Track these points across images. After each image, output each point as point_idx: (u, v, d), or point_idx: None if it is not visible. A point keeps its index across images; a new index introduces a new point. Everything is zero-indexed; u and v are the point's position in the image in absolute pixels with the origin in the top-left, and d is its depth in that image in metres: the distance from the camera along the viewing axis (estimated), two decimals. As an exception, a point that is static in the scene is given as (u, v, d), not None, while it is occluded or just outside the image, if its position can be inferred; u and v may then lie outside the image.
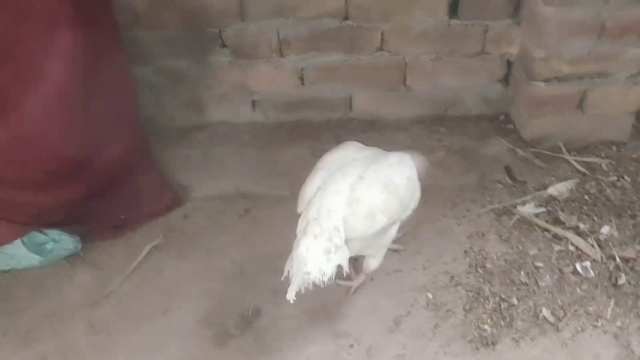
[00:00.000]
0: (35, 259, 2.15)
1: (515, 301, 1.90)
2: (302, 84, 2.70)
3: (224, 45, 2.59)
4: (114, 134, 2.24)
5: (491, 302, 1.91)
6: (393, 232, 1.80)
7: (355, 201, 1.63)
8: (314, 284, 1.53)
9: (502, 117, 2.73)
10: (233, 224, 2.31)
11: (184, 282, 2.09)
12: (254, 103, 2.78)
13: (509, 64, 2.61)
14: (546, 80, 2.38)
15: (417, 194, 1.84)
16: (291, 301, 1.51)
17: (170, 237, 2.29)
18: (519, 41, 2.51)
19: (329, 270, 1.54)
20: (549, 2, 2.19)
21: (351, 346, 1.82)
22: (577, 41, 2.28)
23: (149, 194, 2.42)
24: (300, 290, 1.53)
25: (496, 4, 2.43)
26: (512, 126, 2.67)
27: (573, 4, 2.17)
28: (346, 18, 2.50)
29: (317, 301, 1.95)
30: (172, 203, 2.43)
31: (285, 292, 1.53)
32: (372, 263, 1.83)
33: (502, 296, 1.93)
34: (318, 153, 2.63)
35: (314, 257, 1.54)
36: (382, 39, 2.55)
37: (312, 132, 2.77)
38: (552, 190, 2.30)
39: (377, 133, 2.74)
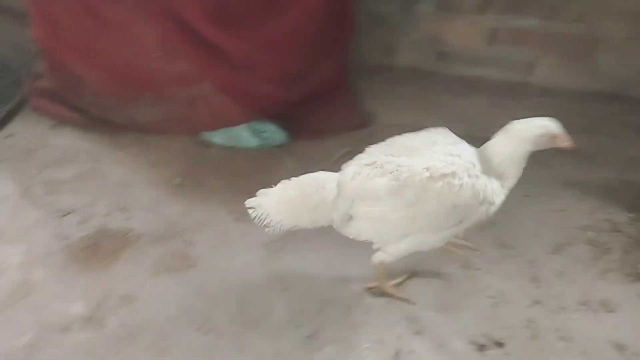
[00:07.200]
0: (254, 142, 2.65)
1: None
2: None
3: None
4: (332, 54, 2.71)
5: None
6: None
7: None
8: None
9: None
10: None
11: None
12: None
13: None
14: None
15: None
16: None
17: (357, 148, 2.67)
18: None
19: None
20: None
21: None
22: None
23: (344, 112, 2.86)
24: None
25: None
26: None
27: None
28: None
29: None
30: (361, 123, 2.83)
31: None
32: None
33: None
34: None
35: None
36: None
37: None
38: None
39: None
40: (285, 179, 2.47)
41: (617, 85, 2.87)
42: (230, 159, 2.60)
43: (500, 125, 2.76)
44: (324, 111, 2.79)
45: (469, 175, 1.60)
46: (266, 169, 2.55)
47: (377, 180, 1.63)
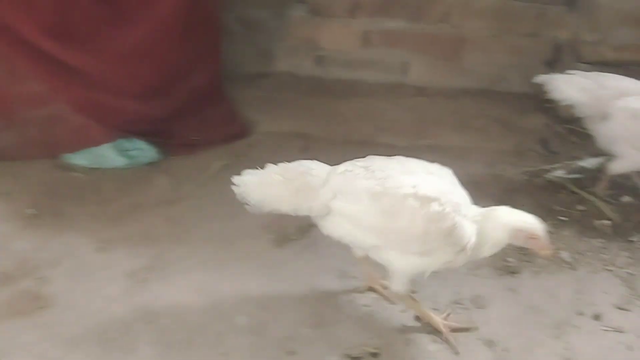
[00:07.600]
0: (120, 162, 2.47)
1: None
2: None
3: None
4: (201, 64, 2.59)
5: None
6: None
7: None
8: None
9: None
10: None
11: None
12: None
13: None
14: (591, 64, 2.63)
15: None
16: None
17: (236, 160, 2.58)
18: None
19: None
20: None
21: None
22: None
23: (220, 123, 2.74)
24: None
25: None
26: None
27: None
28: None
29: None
30: (240, 133, 2.73)
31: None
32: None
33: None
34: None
35: None
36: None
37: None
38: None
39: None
40: (157, 198, 2.35)
41: (484, 81, 2.98)
42: (94, 182, 2.40)
43: (379, 127, 2.83)
44: (198, 123, 2.66)
45: (454, 210, 1.58)
46: (135, 190, 2.39)
47: (362, 181, 1.65)
